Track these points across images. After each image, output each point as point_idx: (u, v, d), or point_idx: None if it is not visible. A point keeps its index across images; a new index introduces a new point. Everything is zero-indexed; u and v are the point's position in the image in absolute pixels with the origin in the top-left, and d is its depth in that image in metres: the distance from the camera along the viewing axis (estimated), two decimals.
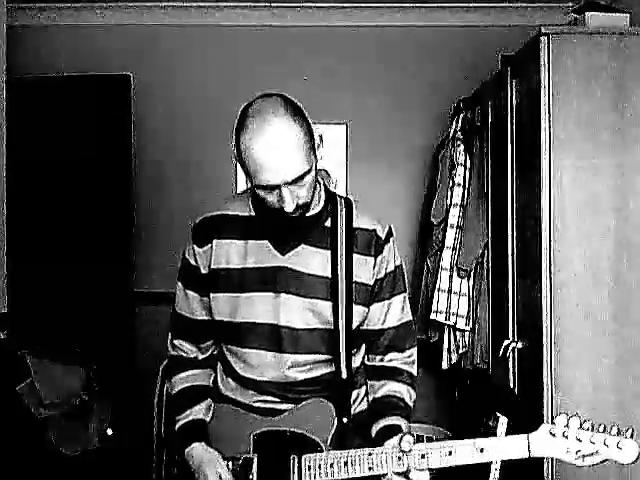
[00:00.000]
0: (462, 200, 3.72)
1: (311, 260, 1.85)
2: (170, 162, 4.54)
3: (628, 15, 3.00)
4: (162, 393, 4.25)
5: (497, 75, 3.52)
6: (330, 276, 1.84)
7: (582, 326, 2.83)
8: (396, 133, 4.58)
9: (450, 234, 3.73)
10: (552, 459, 2.82)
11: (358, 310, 1.87)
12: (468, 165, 3.74)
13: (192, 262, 1.94)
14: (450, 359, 3.82)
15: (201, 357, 2.01)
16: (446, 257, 3.73)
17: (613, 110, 2.84)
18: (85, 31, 4.55)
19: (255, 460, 1.86)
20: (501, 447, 1.67)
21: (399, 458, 1.73)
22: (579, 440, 1.61)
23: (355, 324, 1.86)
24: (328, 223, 1.89)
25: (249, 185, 1.85)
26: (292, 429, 1.85)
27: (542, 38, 2.85)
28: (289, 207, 1.72)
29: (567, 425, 1.63)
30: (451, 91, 4.30)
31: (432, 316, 3.74)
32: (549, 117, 2.84)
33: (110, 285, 4.24)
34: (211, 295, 1.90)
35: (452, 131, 3.94)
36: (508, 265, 3.28)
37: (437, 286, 3.74)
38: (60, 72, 4.33)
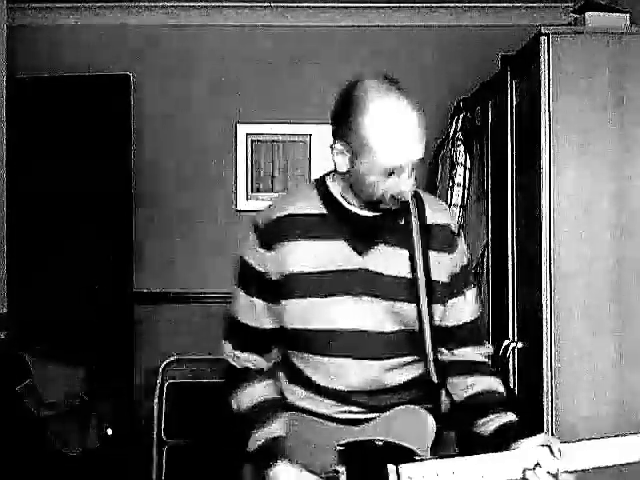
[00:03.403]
0: (462, 200, 3.72)
1: (390, 260, 1.75)
2: (170, 162, 4.54)
3: (628, 15, 3.00)
4: (162, 393, 4.27)
5: (497, 75, 3.52)
6: (409, 276, 1.74)
7: (582, 326, 2.83)
8: None
9: None
10: None
11: (438, 309, 1.78)
12: (468, 165, 3.74)
13: (258, 268, 1.78)
14: None
15: (267, 367, 1.85)
16: None
17: (613, 110, 2.84)
18: (85, 31, 4.54)
19: (344, 472, 1.69)
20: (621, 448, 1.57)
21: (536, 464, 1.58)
22: None
23: (436, 324, 1.78)
24: (402, 220, 1.78)
25: (318, 177, 1.81)
26: (384, 438, 1.72)
27: (542, 38, 2.84)
28: (409, 188, 1.66)
29: None
30: (451, 91, 4.29)
31: None
32: (549, 117, 2.84)
33: (110, 285, 4.24)
34: (282, 302, 1.76)
35: (452, 131, 3.94)
36: (508, 265, 3.27)
37: None
38: (60, 72, 4.33)
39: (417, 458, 1.69)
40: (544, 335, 2.83)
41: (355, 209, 1.75)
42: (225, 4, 4.52)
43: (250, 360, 1.84)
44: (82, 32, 4.54)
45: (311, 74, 4.51)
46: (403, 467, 1.62)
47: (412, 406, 1.77)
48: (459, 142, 3.78)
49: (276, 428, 1.77)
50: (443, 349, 1.83)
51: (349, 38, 4.57)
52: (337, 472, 1.69)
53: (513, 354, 3.19)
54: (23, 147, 4.03)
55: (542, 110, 2.84)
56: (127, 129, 4.27)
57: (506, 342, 3.21)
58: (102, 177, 4.24)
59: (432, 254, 1.77)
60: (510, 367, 3.21)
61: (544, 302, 2.84)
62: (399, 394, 1.79)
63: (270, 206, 1.85)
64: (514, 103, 3.23)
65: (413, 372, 1.80)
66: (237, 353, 1.84)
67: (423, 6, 4.51)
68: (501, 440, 1.69)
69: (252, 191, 4.52)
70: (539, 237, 2.86)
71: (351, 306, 1.73)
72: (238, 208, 4.48)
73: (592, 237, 2.84)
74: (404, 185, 1.66)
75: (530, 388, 2.98)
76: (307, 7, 4.54)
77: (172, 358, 4.27)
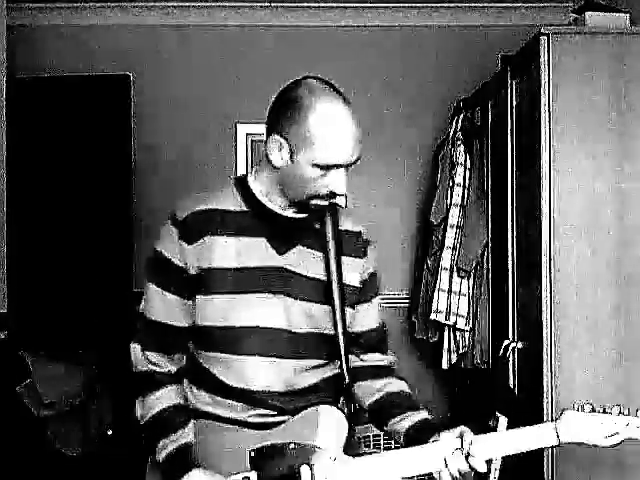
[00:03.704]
0: (462, 200, 3.72)
1: (306, 262, 1.77)
2: (170, 162, 4.54)
3: (628, 15, 3.00)
4: None
5: (497, 75, 3.52)
6: (324, 279, 1.76)
7: (582, 326, 2.83)
8: (396, 133, 4.58)
9: (450, 234, 3.73)
10: (552, 457, 2.82)
11: (349, 313, 1.81)
12: (468, 165, 3.74)
13: (175, 261, 1.74)
14: (450, 359, 3.82)
15: (174, 370, 1.80)
16: (446, 257, 3.73)
17: (613, 110, 2.84)
18: (85, 31, 4.55)
19: (255, 479, 1.66)
20: (529, 437, 1.64)
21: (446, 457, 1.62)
22: (602, 423, 1.62)
23: (348, 327, 1.80)
24: (317, 225, 1.81)
25: (256, 170, 1.78)
26: (295, 441, 1.66)
27: (542, 38, 2.84)
28: (344, 188, 1.70)
29: (583, 410, 1.63)
30: (451, 91, 4.29)
31: (432, 316, 3.74)
32: (549, 117, 2.84)
33: (110, 285, 4.24)
34: (199, 297, 1.73)
35: (452, 131, 3.94)
36: (508, 265, 3.28)
37: (437, 286, 3.74)
38: (60, 72, 4.33)
39: (330, 458, 1.65)
40: (544, 335, 2.83)
41: (276, 208, 1.76)
42: (225, 4, 4.53)
43: (160, 362, 1.79)
44: (82, 32, 4.54)
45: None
46: (317, 467, 1.62)
47: (324, 406, 1.73)
48: (459, 142, 3.79)
49: (186, 435, 1.73)
50: (351, 355, 1.84)
51: (349, 38, 4.58)
52: (247, 478, 1.66)
53: (513, 354, 3.19)
54: (23, 147, 4.03)
55: (542, 110, 2.84)
56: (127, 129, 4.27)
57: (506, 342, 3.21)
58: (102, 177, 4.23)
59: (345, 259, 1.80)
60: (510, 367, 3.21)
61: (544, 302, 2.84)
62: (310, 396, 1.77)
63: (190, 200, 1.84)
64: (514, 103, 3.23)
65: (325, 374, 1.81)
66: (147, 354, 1.79)
67: (423, 6, 4.52)
68: (417, 436, 1.72)
69: None
70: (539, 237, 2.86)
71: (267, 304, 1.73)
72: None
73: (592, 237, 2.84)
74: (339, 183, 1.69)
75: (530, 388, 2.98)
76: (307, 7, 4.54)
77: None
